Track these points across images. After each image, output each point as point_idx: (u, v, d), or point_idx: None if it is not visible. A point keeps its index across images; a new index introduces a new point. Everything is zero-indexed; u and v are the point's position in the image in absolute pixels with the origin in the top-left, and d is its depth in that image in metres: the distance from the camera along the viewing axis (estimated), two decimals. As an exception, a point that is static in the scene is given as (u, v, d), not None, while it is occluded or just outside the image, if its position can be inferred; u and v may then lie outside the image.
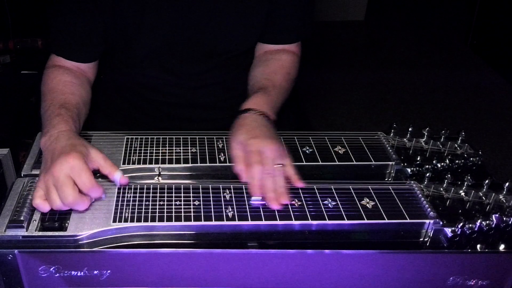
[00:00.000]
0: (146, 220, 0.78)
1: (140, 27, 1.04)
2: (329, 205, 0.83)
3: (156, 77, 1.15)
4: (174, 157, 0.94)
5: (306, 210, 0.82)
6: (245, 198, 0.84)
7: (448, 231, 0.80)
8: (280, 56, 1.16)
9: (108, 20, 1.04)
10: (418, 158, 0.97)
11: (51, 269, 0.75)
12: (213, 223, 0.79)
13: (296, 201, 0.84)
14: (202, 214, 0.80)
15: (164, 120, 1.23)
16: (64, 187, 0.76)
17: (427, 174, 0.90)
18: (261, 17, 1.10)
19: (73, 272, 0.76)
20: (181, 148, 0.96)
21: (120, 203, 0.81)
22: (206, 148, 0.97)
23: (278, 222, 0.79)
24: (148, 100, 1.21)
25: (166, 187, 0.85)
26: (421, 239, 0.81)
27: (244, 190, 0.85)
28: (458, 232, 0.80)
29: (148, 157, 0.93)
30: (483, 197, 0.88)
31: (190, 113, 1.22)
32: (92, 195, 0.80)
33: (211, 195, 0.84)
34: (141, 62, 1.13)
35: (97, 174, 0.84)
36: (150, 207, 0.81)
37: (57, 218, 0.78)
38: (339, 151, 0.98)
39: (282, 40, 1.17)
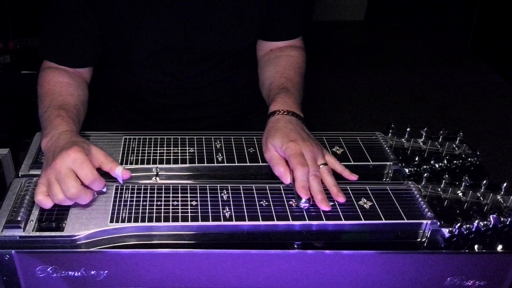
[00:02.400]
0: (143, 220, 0.78)
1: (138, 29, 1.04)
2: (327, 205, 0.83)
3: (155, 79, 1.15)
4: (172, 157, 0.94)
5: (304, 210, 0.82)
6: (243, 199, 0.84)
7: (446, 231, 0.80)
8: (289, 52, 1.15)
9: (106, 23, 1.03)
10: (416, 159, 0.97)
11: (48, 269, 0.75)
12: (211, 223, 0.79)
13: (294, 201, 0.84)
14: (200, 214, 0.80)
15: (163, 120, 1.23)
16: (66, 179, 0.76)
17: (425, 175, 0.90)
18: (260, 15, 1.10)
19: (70, 273, 0.76)
20: (179, 148, 0.96)
21: (117, 203, 0.82)
22: (204, 148, 0.97)
23: (276, 222, 0.79)
24: (146, 101, 1.21)
25: (163, 187, 0.85)
26: (419, 240, 0.81)
27: (241, 191, 0.85)
28: (456, 233, 0.79)
29: (146, 157, 0.93)
30: (481, 198, 0.88)
31: (189, 112, 1.22)
32: (95, 188, 0.80)
33: (208, 195, 0.84)
34: (139, 64, 1.13)
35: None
36: (147, 207, 0.81)
37: (54, 219, 0.78)
38: (337, 152, 0.98)
39: (286, 36, 1.16)
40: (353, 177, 0.89)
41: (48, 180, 0.78)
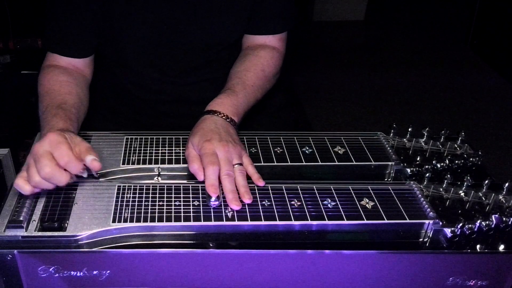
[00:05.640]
0: (145, 220, 0.78)
1: (127, 19, 1.05)
2: (329, 205, 0.83)
3: (147, 75, 1.16)
4: (173, 157, 0.94)
5: (306, 210, 0.82)
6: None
7: (448, 231, 0.80)
8: (258, 52, 1.14)
9: (98, 13, 1.05)
10: (418, 158, 0.97)
11: (51, 269, 0.75)
12: (213, 223, 0.79)
13: (296, 201, 0.84)
14: (202, 214, 0.80)
15: (158, 117, 1.24)
16: (41, 158, 0.76)
17: (427, 175, 0.90)
18: (247, 7, 1.10)
19: (72, 272, 0.76)
20: (181, 148, 0.96)
21: (119, 203, 0.81)
22: (206, 148, 0.97)
23: (278, 222, 0.79)
24: (141, 99, 1.21)
25: (165, 187, 0.85)
26: (421, 240, 0.81)
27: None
28: (458, 233, 0.79)
29: (147, 157, 0.93)
30: (483, 198, 0.88)
31: (182, 109, 1.22)
32: (71, 170, 0.78)
33: (210, 195, 0.84)
34: (131, 59, 1.13)
35: (96, 175, 0.85)
36: (149, 207, 0.81)
37: (56, 218, 0.78)
38: (339, 151, 0.98)
39: (264, 30, 1.15)
40: (260, 183, 0.87)
41: (28, 164, 0.78)
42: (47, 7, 1.08)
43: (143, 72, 1.15)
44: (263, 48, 1.15)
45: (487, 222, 0.81)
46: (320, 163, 0.95)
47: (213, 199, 0.81)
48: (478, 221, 0.80)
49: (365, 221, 0.80)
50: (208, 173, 0.84)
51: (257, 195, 0.84)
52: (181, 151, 0.96)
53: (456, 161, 0.97)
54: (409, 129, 1.04)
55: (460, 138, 1.02)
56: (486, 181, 0.87)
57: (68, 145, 0.79)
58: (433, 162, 0.96)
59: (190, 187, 0.85)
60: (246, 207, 0.82)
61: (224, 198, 0.83)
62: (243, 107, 1.02)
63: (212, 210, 0.81)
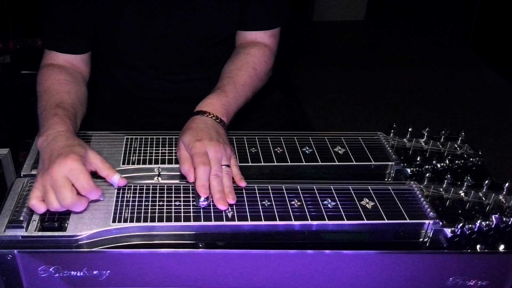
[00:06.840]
0: (145, 220, 0.78)
1: (120, 14, 1.06)
2: (329, 205, 0.83)
3: (142, 73, 1.16)
4: (173, 157, 0.94)
5: (306, 210, 0.82)
6: (245, 199, 0.84)
7: (448, 231, 0.80)
8: (248, 50, 1.14)
9: (93, 8, 1.05)
10: (418, 158, 0.97)
11: (51, 269, 0.75)
12: (213, 223, 0.79)
13: (296, 201, 0.84)
14: (202, 214, 0.80)
15: (156, 116, 1.24)
16: (62, 189, 0.76)
17: (427, 175, 0.90)
18: (239, 1, 1.10)
19: (72, 272, 0.76)
20: (181, 148, 0.96)
21: (119, 203, 0.82)
22: (206, 148, 0.97)
23: (278, 222, 0.79)
24: (138, 97, 1.21)
25: (165, 187, 0.85)
26: (421, 240, 0.81)
27: (243, 191, 0.85)
28: (458, 233, 0.80)
29: (147, 157, 0.93)
30: (483, 198, 0.88)
31: (178, 108, 1.21)
32: (91, 198, 0.80)
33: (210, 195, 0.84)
34: (126, 56, 1.14)
35: (95, 174, 0.85)
36: (149, 207, 0.81)
37: (56, 218, 0.78)
38: (339, 151, 0.99)
39: (255, 26, 1.15)
40: (242, 183, 0.87)
41: (44, 187, 0.78)
42: (44, 5, 1.08)
43: (138, 69, 1.16)
44: (254, 45, 1.15)
45: (487, 222, 0.81)
46: (320, 163, 0.95)
47: (202, 199, 0.82)
48: (478, 221, 0.80)
49: (365, 221, 0.80)
50: (199, 173, 0.84)
51: (257, 195, 0.85)
52: (181, 151, 0.95)
53: (456, 161, 0.97)
54: (409, 129, 1.04)
55: (460, 138, 1.02)
56: (486, 181, 0.87)
57: (88, 173, 0.79)
58: (433, 162, 0.96)
59: (190, 187, 0.85)
60: (246, 207, 0.82)
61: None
62: (233, 108, 1.02)
63: (212, 210, 0.81)
